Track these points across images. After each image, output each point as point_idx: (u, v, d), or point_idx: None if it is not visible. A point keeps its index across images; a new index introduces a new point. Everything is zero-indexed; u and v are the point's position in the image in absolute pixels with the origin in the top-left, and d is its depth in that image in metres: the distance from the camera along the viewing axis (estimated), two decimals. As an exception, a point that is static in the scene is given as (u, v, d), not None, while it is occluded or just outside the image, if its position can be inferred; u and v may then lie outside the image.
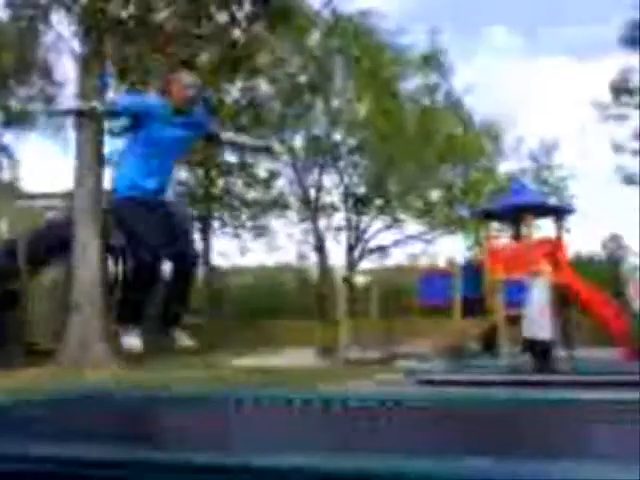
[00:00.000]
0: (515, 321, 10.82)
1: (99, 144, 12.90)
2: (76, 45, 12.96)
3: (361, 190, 23.44)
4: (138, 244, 3.71)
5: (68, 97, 15.04)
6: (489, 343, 10.64)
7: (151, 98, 3.97)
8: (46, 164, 38.50)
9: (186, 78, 3.83)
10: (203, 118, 3.97)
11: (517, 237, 13.61)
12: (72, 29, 12.89)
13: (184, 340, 3.92)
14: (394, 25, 22.48)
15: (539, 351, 7.83)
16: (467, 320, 11.05)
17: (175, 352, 11.34)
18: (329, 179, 23.48)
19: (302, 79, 21.68)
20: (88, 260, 11.96)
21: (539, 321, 7.76)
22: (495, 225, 16.08)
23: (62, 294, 12.67)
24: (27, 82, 17.28)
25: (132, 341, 3.75)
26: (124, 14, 12.66)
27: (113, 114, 4.04)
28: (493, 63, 38.86)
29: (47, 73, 16.01)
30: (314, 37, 21.94)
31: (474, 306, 11.33)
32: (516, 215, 13.34)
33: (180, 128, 3.74)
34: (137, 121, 3.67)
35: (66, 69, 14.13)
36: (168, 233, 3.70)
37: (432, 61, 22.87)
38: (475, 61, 38.36)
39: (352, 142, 23.01)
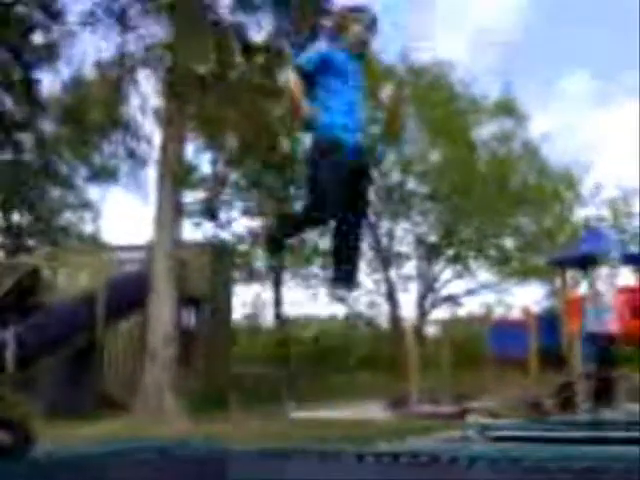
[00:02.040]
0: (592, 376, 10.47)
1: (178, 196, 13.37)
2: (159, 102, 13.57)
3: (432, 239, 23.35)
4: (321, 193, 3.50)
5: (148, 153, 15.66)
6: (567, 398, 10.28)
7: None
8: (127, 217, 39.89)
9: (368, 17, 3.66)
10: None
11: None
12: (156, 87, 13.53)
13: None
14: (468, 75, 22.72)
15: None
16: (543, 373, 10.75)
17: (241, 402, 11.50)
18: (401, 228, 23.53)
19: (375, 129, 21.93)
20: (163, 311, 12.25)
21: None
22: (572, 274, 15.65)
23: (137, 347, 13.00)
24: (112, 139, 18.11)
25: None
26: (204, 71, 13.21)
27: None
28: (569, 109, 38.29)
29: (131, 130, 16.77)
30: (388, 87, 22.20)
31: (551, 359, 11.01)
32: (593, 263, 12.98)
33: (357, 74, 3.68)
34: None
35: (149, 126, 14.71)
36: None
37: (506, 107, 22.83)
38: (551, 107, 37.90)
39: (424, 190, 23.03)
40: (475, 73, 29.50)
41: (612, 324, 8.97)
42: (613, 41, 37.92)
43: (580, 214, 23.65)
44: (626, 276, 14.39)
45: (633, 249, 19.74)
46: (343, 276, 3.74)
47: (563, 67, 40.88)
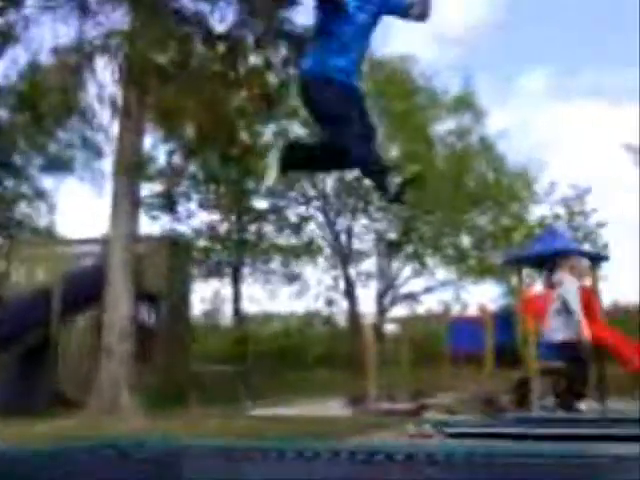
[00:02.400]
0: (548, 373, 10.59)
1: (135, 188, 13.14)
2: (117, 91, 13.30)
3: (392, 236, 23.44)
4: (331, 124, 3.45)
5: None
6: (522, 395, 10.40)
7: None
8: (83, 209, 39.19)
9: None
10: None
11: (550, 285, 13.39)
12: (115, 75, 13.25)
13: None
14: (428, 69, 22.88)
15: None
16: (500, 370, 10.86)
17: (200, 399, 11.40)
18: (360, 224, 23.56)
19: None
20: (120, 306, 12.03)
21: None
22: (528, 272, 15.85)
23: (92, 343, 12.76)
24: (67, 127, 17.71)
25: None
26: (164, 59, 13.00)
27: None
28: (527, 106, 38.82)
29: (88, 119, 16.41)
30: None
31: (507, 356, 11.12)
32: (549, 262, 13.15)
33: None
34: None
35: (106, 115, 14.42)
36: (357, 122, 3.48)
37: (465, 104, 23.02)
38: (509, 105, 38.38)
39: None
40: (435, 68, 29.84)
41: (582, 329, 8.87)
42: (571, 39, 38.61)
43: (536, 212, 24.05)
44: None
45: (587, 248, 20.16)
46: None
47: (522, 64, 41.45)
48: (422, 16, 3.71)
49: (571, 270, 8.95)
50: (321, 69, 3.48)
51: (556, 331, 8.52)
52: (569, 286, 8.62)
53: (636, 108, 34.55)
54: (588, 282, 13.53)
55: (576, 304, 8.48)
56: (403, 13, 3.73)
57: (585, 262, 9.59)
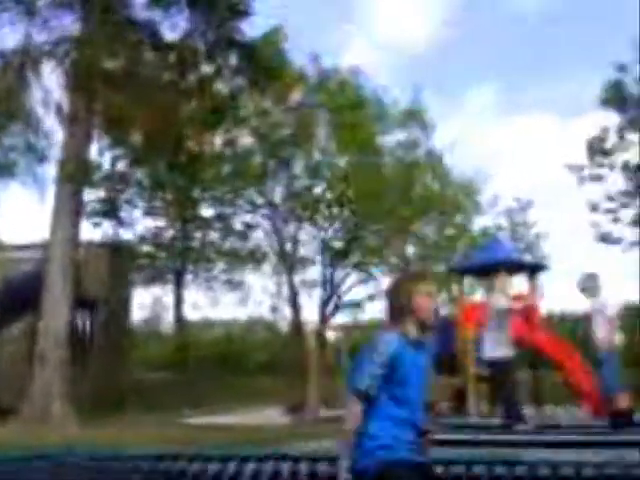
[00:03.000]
0: (486, 380, 10.76)
1: (78, 194, 12.93)
2: (64, 97, 13.09)
3: (338, 244, 23.52)
4: None
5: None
6: (460, 402, 10.56)
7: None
8: (23, 214, 38.33)
9: (428, 302, 2.89)
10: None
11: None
12: (61, 81, 13.04)
13: None
14: (377, 82, 23.10)
15: None
16: (439, 377, 11.00)
17: (138, 407, 11.23)
18: (305, 232, 23.58)
19: (284, 132, 21.94)
20: (57, 313, 11.81)
21: None
22: (470, 281, 16.12)
23: (28, 349, 12.46)
24: (11, 131, 17.34)
25: None
26: (112, 66, 12.85)
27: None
28: (474, 121, 39.68)
29: (31, 123, 16.08)
30: (298, 90, 22.34)
31: (446, 363, 11.28)
32: (491, 271, 13.39)
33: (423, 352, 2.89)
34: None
35: (52, 120, 14.17)
36: None
37: (413, 117, 23.32)
38: (456, 118, 39.14)
39: (331, 196, 23.18)
40: (385, 81, 30.20)
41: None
42: (517, 59, 39.68)
43: (479, 223, 24.52)
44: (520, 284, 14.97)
45: (529, 258, 20.62)
46: None
47: (470, 80, 42.40)
48: None
49: (499, 287, 9.24)
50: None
51: (489, 349, 8.76)
52: (499, 303, 8.88)
53: (580, 123, 35.66)
54: (523, 293, 13.85)
55: (505, 321, 8.76)
56: None
57: (509, 279, 9.88)
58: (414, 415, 2.84)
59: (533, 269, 14.45)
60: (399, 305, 2.93)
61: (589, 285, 8.65)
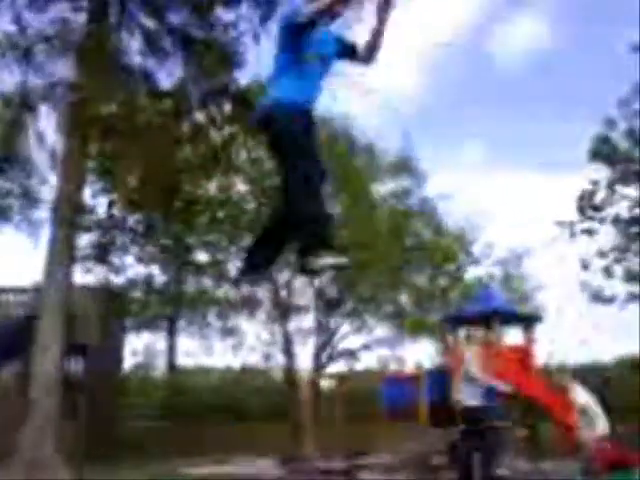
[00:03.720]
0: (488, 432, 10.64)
1: (71, 238, 12.89)
2: (59, 141, 13.16)
3: (332, 292, 23.43)
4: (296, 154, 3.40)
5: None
6: (455, 455, 10.38)
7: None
8: (14, 257, 38.21)
9: None
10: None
11: (486, 344, 13.58)
12: (56, 125, 13.12)
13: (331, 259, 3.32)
14: (368, 131, 23.32)
15: None
16: (434, 429, 10.85)
17: (129, 455, 10.98)
18: (300, 280, 23.47)
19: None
20: (48, 358, 11.65)
21: None
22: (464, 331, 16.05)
23: (18, 395, 12.26)
24: (6, 175, 17.39)
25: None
26: (107, 111, 12.96)
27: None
28: (464, 173, 40.24)
29: (27, 168, 16.16)
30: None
31: (441, 414, 11.13)
32: (485, 321, 13.37)
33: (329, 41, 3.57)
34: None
35: (46, 164, 14.21)
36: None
37: (404, 166, 23.51)
38: (446, 171, 39.68)
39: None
40: (377, 131, 30.54)
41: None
42: (504, 118, 40.45)
43: (472, 273, 24.52)
44: (515, 335, 14.95)
45: (522, 309, 20.62)
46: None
47: (460, 136, 43.10)
48: (369, 59, 3.78)
49: (468, 340, 9.51)
50: (290, 98, 3.49)
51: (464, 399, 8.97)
52: (468, 356, 9.15)
53: (570, 180, 36.09)
54: (518, 344, 13.80)
55: (475, 372, 8.95)
56: (351, 55, 3.80)
57: (478, 332, 10.12)
58: None
59: (528, 320, 14.45)
60: None
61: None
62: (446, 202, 23.51)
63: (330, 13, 3.44)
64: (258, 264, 3.73)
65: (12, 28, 12.83)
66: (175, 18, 13.71)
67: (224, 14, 13.83)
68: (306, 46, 3.49)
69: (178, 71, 13.83)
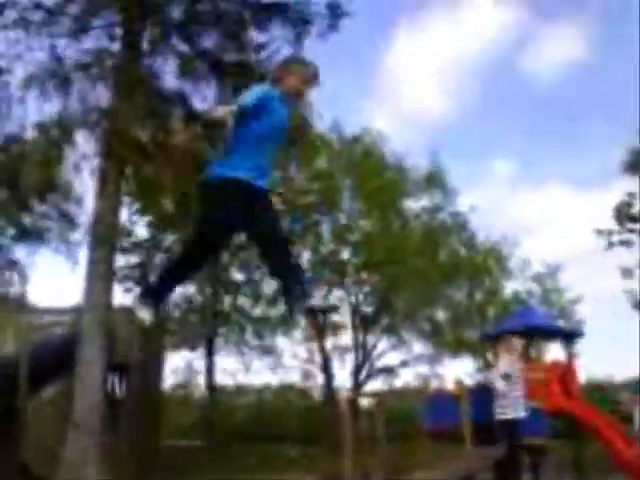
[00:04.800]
0: (533, 450, 10.48)
1: (110, 260, 13.06)
2: (96, 164, 13.38)
3: (368, 309, 23.39)
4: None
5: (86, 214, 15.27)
6: (502, 474, 10.21)
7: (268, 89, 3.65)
8: (55, 278, 38.80)
9: (307, 70, 3.72)
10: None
11: (527, 360, 13.41)
12: (93, 149, 13.35)
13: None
14: (399, 147, 23.40)
15: None
16: (477, 447, 10.68)
17: (169, 475, 11.00)
18: (335, 297, 23.48)
19: (310, 198, 22.15)
20: (90, 379, 11.79)
21: None
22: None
23: (61, 415, 12.39)
24: (46, 200, 17.69)
25: None
26: (144, 136, 13.15)
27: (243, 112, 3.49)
28: (496, 188, 40.02)
29: (66, 192, 16.43)
30: (322, 156, 22.68)
31: (484, 432, 10.96)
32: (525, 337, 13.19)
33: (283, 119, 3.68)
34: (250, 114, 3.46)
35: (84, 187, 14.43)
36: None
37: (435, 182, 23.47)
38: (479, 186, 39.50)
39: (358, 260, 23.19)
40: (407, 147, 30.58)
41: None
42: (534, 132, 40.23)
43: (509, 287, 24.29)
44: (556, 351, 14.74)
45: (561, 324, 20.34)
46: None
47: (490, 150, 42.89)
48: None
49: (507, 350, 9.45)
50: (229, 172, 3.53)
51: (504, 412, 8.98)
52: (502, 368, 9.15)
53: (603, 194, 35.66)
54: (559, 360, 13.59)
55: (508, 384, 8.94)
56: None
57: (516, 340, 9.99)
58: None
59: (568, 335, 14.24)
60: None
61: None
62: (478, 217, 23.46)
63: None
64: (161, 292, 3.85)
65: (49, 57, 13.13)
66: (207, 42, 13.90)
67: (256, 35, 13.99)
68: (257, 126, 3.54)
69: (211, 94, 14.00)
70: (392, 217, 22.38)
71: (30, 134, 13.89)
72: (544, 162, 41.47)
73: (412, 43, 40.00)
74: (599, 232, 21.33)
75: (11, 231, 21.33)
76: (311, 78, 3.76)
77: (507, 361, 9.44)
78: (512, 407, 9.30)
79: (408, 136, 38.39)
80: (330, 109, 32.01)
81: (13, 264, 22.29)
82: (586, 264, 40.04)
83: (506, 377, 9.33)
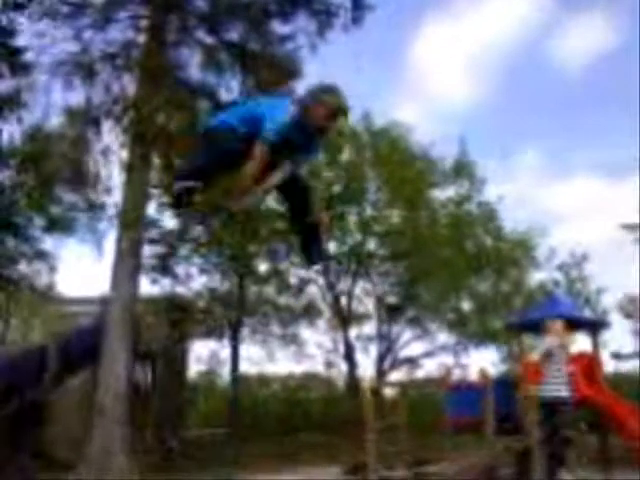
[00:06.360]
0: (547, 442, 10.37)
1: (136, 250, 13.20)
2: (123, 154, 13.51)
3: (393, 299, 23.36)
4: None
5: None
6: (524, 467, 10.15)
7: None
8: (82, 269, 39.27)
9: (333, 102, 3.66)
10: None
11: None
12: (120, 139, 13.46)
13: None
14: (425, 138, 23.25)
15: None
16: (499, 439, 10.62)
17: (193, 464, 11.13)
18: (360, 287, 23.50)
19: (336, 189, 22.13)
20: (116, 367, 11.94)
21: None
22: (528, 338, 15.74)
23: (87, 403, 12.58)
24: (73, 189, 17.86)
25: None
26: (168, 124, 13.23)
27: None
28: (524, 179, 39.60)
29: (93, 181, 16.57)
30: (348, 148, 22.63)
31: (507, 424, 10.90)
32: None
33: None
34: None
35: (111, 177, 14.58)
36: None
37: (463, 171, 23.29)
38: (506, 176, 39.11)
39: (384, 251, 23.14)
40: (433, 137, 30.36)
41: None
42: (563, 123, 39.70)
43: (535, 278, 24.05)
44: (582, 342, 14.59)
45: (587, 314, 20.11)
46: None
47: (517, 141, 42.45)
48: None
49: (550, 332, 9.44)
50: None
51: (543, 389, 8.95)
52: (544, 345, 9.13)
53: (633, 184, 35.11)
54: (585, 350, 13.46)
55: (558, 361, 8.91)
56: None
57: (558, 323, 9.92)
58: None
59: (594, 326, 14.07)
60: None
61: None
62: (506, 207, 23.25)
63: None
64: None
65: (76, 47, 13.26)
66: (232, 33, 13.93)
67: (280, 27, 14.00)
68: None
69: (236, 85, 14.03)
70: (419, 208, 22.28)
71: (57, 124, 14.04)
72: (573, 152, 40.97)
73: (438, 33, 39.71)
74: (625, 227, 21.03)
75: (40, 222, 21.62)
76: (339, 112, 3.71)
77: (550, 340, 9.40)
78: (551, 385, 9.27)
79: (436, 126, 38.15)
80: (359, 101, 31.91)
81: (42, 254, 22.59)
82: (614, 254, 39.59)
83: (548, 354, 9.30)
